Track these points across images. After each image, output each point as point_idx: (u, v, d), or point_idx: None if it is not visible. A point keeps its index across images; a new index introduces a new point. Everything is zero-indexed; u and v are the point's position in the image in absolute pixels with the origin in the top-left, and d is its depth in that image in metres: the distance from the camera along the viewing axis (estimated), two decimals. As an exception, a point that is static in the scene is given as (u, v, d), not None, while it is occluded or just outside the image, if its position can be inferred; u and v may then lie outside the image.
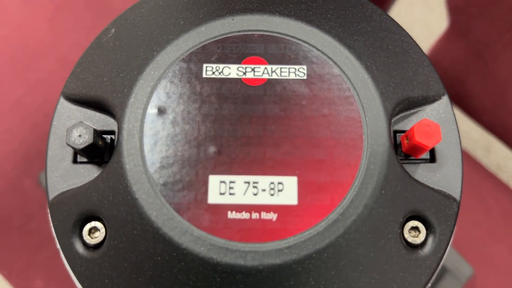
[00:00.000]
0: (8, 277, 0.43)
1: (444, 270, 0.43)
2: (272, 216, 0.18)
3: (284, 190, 0.18)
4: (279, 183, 0.18)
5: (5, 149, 0.45)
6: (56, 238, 0.20)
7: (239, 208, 0.18)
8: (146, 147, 0.19)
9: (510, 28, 0.39)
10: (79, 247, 0.19)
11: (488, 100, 0.46)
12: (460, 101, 0.50)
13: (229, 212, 0.18)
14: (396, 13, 0.83)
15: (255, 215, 0.18)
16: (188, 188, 0.18)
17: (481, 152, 0.78)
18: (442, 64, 0.49)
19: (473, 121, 0.49)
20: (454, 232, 0.20)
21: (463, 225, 0.45)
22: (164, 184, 0.18)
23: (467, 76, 0.46)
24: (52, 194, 0.19)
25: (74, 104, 0.20)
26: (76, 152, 0.20)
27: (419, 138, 0.18)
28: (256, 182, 0.18)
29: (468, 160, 0.48)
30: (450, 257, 0.44)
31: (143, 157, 0.19)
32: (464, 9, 0.43)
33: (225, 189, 0.18)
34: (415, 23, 0.85)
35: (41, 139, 0.47)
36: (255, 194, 0.18)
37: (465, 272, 0.42)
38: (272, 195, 0.18)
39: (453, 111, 0.21)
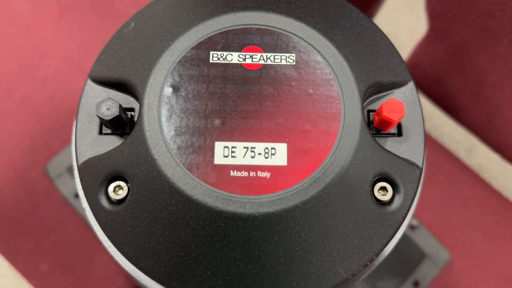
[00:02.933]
0: (14, 262, 0.44)
1: (423, 255, 0.45)
2: (266, 174, 0.21)
3: (276, 154, 0.22)
4: (272, 148, 0.22)
5: (14, 141, 0.47)
6: (84, 197, 0.23)
7: (239, 168, 0.21)
8: (163, 119, 0.22)
9: (482, 32, 0.41)
10: (105, 203, 0.21)
11: (464, 98, 0.47)
12: (440, 99, 0.52)
13: (231, 171, 0.21)
14: (383, 20, 0.85)
15: (252, 174, 0.21)
16: (197, 152, 0.22)
17: (464, 153, 0.80)
18: (422, 65, 0.51)
19: (451, 118, 0.51)
20: (418, 194, 0.23)
21: (441, 214, 0.47)
22: (178, 148, 0.22)
23: (446, 76, 0.48)
24: (81, 160, 0.22)
25: (100, 85, 0.23)
26: (101, 125, 0.23)
27: (386, 113, 0.22)
28: (254, 148, 0.22)
29: (449, 158, 0.50)
30: (429, 243, 0.45)
31: (160, 126, 0.22)
32: (441, 14, 0.44)
33: (228, 153, 0.22)
34: (401, 30, 0.87)
35: (47, 132, 0.48)
36: (252, 157, 0.22)
37: (442, 257, 0.44)
38: (266, 158, 0.22)
39: (417, 94, 0.24)
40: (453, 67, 0.47)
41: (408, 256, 0.46)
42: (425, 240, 0.46)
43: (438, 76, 0.49)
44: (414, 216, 0.47)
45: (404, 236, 0.46)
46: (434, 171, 0.49)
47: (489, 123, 0.47)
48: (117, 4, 0.54)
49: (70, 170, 0.46)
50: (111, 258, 0.43)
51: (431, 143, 0.51)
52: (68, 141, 0.48)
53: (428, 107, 0.66)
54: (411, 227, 0.46)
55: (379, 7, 0.56)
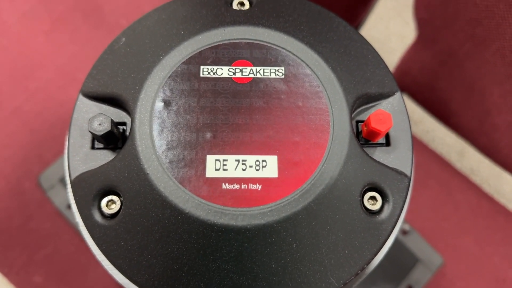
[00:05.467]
0: (8, 275, 0.44)
1: (416, 260, 0.45)
2: (258, 186, 0.22)
3: (267, 166, 0.22)
4: (263, 160, 0.22)
5: (6, 153, 0.47)
6: (77, 212, 0.23)
7: (231, 180, 0.22)
8: (155, 133, 0.22)
9: (469, 39, 0.42)
10: (98, 217, 0.22)
11: (454, 104, 0.48)
12: (430, 105, 0.52)
13: (223, 184, 0.22)
14: (373, 26, 0.86)
15: (244, 186, 0.22)
16: (189, 165, 0.22)
17: (455, 157, 0.81)
18: (412, 72, 0.51)
19: (441, 123, 0.52)
20: (407, 202, 0.24)
21: (433, 218, 0.48)
22: (170, 162, 0.22)
23: (435, 83, 0.49)
24: (74, 175, 0.22)
25: (91, 100, 0.24)
26: (94, 139, 0.23)
27: (374, 124, 0.22)
28: (245, 160, 0.22)
29: (440, 162, 0.51)
30: (421, 248, 0.46)
31: (152, 141, 0.22)
32: (429, 21, 0.45)
33: (220, 166, 0.22)
34: (391, 36, 0.88)
35: (40, 144, 0.47)
36: (243, 170, 0.22)
37: (435, 262, 0.45)
38: (257, 170, 0.22)
39: (404, 104, 0.25)
40: (442, 74, 0.47)
41: (401, 261, 0.46)
42: (417, 245, 0.46)
43: (428, 82, 0.50)
44: (406, 221, 0.47)
45: (397, 241, 0.46)
46: (425, 176, 0.49)
47: (479, 128, 0.48)
48: (108, 15, 0.54)
49: (63, 181, 0.46)
50: (105, 270, 0.44)
51: (422, 148, 0.51)
52: (61, 152, 0.48)
53: (419, 112, 0.67)
54: (403, 232, 0.47)
55: (368, 14, 0.57)
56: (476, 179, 0.78)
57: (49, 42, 0.52)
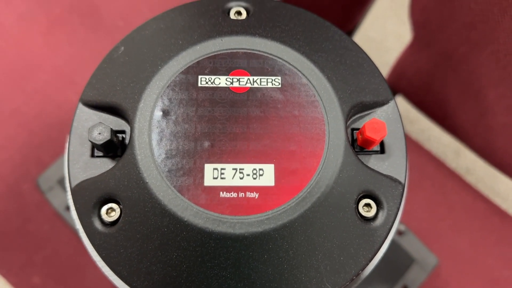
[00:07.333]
0: (7, 276, 0.44)
1: (411, 260, 0.46)
2: (255, 195, 0.22)
3: (264, 174, 0.22)
4: (260, 169, 0.22)
5: (4, 155, 0.47)
6: (77, 219, 0.23)
7: (228, 189, 0.22)
8: (154, 142, 0.22)
9: (464, 42, 0.42)
10: (98, 225, 0.22)
11: (449, 106, 0.48)
12: (425, 107, 0.52)
13: (221, 192, 0.22)
14: (370, 26, 0.86)
15: (241, 194, 0.22)
16: (188, 174, 0.22)
17: (451, 156, 0.82)
18: (407, 74, 0.52)
19: (437, 125, 0.52)
20: (401, 209, 0.24)
21: (429, 219, 0.48)
22: (169, 171, 0.22)
23: (431, 85, 0.49)
24: (74, 183, 0.23)
25: (91, 108, 0.24)
26: (94, 148, 0.23)
27: (369, 133, 0.22)
28: (242, 169, 0.22)
29: (435, 163, 0.51)
30: (417, 248, 0.46)
31: (151, 150, 0.22)
32: (425, 24, 0.45)
33: (218, 175, 0.22)
34: (388, 35, 0.89)
35: (38, 146, 0.47)
36: (241, 178, 0.22)
37: (430, 262, 0.45)
38: (254, 178, 0.22)
39: (399, 112, 0.25)
40: (438, 76, 0.48)
41: (397, 262, 0.47)
42: (413, 245, 0.47)
43: (423, 84, 0.50)
44: (401, 221, 0.48)
45: (392, 242, 0.46)
46: (421, 176, 0.50)
47: (474, 130, 0.48)
48: (105, 17, 0.54)
49: (61, 183, 0.47)
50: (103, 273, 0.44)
51: (417, 149, 0.52)
52: (59, 154, 0.48)
53: (415, 111, 0.67)
54: (398, 232, 0.47)
55: (365, 15, 0.57)
56: (472, 178, 0.78)
57: (46, 43, 0.52)
